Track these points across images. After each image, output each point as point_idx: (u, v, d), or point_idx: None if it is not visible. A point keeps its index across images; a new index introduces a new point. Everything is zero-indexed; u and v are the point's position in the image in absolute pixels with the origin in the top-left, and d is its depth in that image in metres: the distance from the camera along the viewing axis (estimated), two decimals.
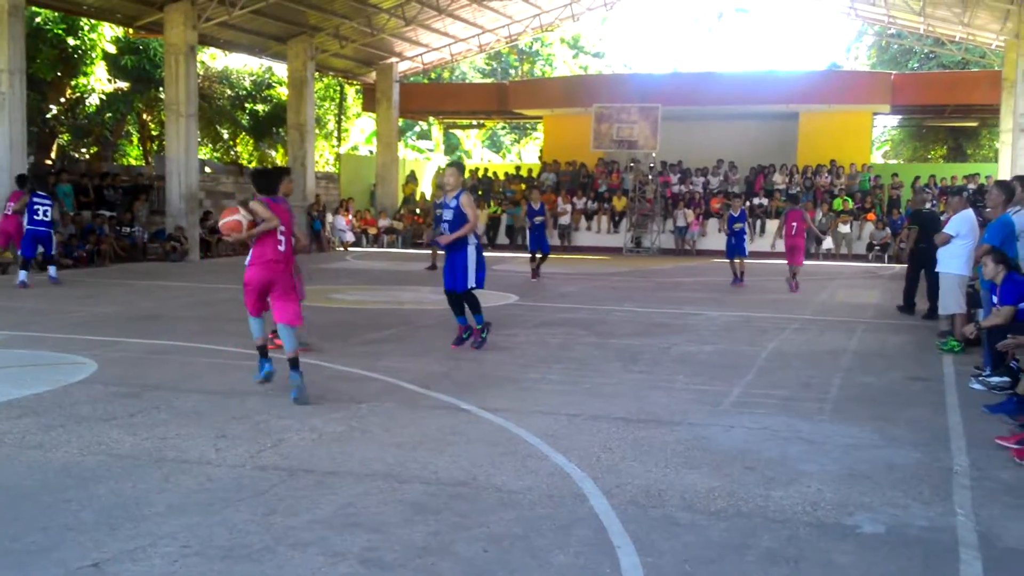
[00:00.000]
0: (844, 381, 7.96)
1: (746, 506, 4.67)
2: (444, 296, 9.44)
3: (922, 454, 5.67)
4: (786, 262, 16.41)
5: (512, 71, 44.65)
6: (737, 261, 17.11)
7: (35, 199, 14.88)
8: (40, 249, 15.12)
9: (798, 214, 16.36)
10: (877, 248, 24.78)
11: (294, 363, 6.78)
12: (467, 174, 32.03)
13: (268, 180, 7.36)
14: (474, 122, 39.64)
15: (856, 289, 17.05)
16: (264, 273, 6.93)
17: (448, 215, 9.09)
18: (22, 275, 14.46)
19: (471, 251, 9.11)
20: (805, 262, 16.94)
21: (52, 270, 15.26)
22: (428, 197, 31.30)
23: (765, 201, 26.96)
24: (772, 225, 26.11)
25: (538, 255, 17.41)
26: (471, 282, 9.06)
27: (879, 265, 23.05)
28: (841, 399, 7.23)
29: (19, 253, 15.18)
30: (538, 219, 17.35)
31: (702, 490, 4.89)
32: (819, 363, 8.83)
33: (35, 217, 14.77)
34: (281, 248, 7.02)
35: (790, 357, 9.16)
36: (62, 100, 27.38)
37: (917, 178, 26.99)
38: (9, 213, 15.01)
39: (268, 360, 7.05)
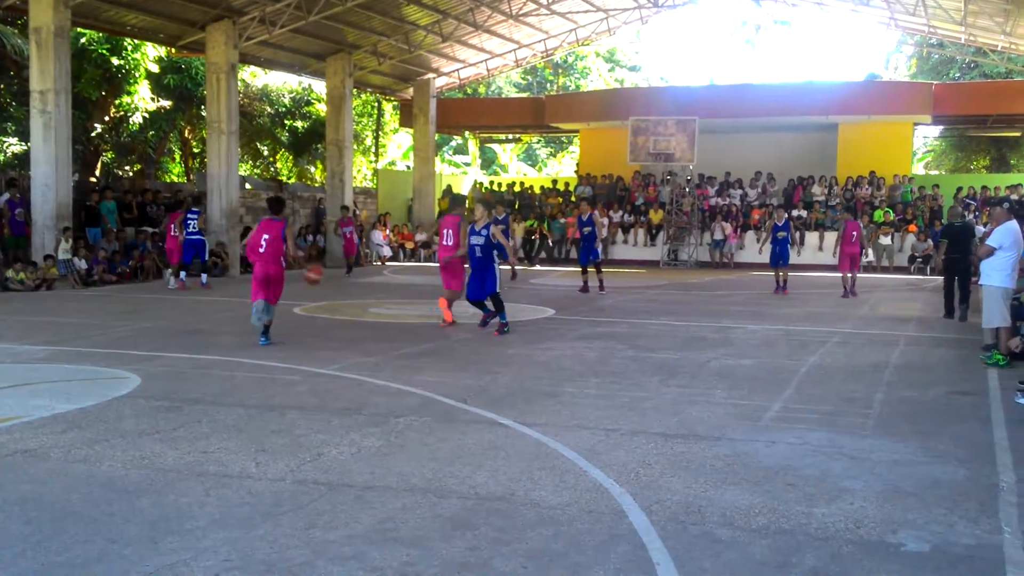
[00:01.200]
0: (887, 396, 7.85)
1: (788, 523, 4.62)
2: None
3: (967, 470, 5.57)
4: (840, 272, 17.78)
5: (548, 85, 44.74)
6: (780, 271, 18.08)
7: (188, 215, 17.73)
8: (195, 258, 18.01)
9: (856, 225, 17.89)
10: (919, 260, 24.44)
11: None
12: (504, 187, 32.12)
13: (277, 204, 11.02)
14: (510, 136, 39.76)
15: (898, 302, 16.81)
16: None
17: (479, 241, 11.76)
18: (181, 276, 17.62)
19: (496, 268, 11.88)
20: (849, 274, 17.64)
21: (204, 277, 18.09)
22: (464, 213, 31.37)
23: (804, 213, 26.71)
24: (811, 237, 26.00)
25: (590, 269, 17.42)
26: (497, 287, 11.84)
27: (921, 277, 22.72)
28: (884, 414, 7.12)
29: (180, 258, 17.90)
30: (586, 229, 17.40)
31: (743, 507, 4.84)
32: (861, 377, 8.72)
33: (188, 229, 17.63)
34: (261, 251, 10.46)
35: (831, 371, 9.05)
36: (106, 119, 27.90)
37: (959, 189, 26.61)
38: (174, 235, 17.72)
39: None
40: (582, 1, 26.87)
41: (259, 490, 5.05)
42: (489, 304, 11.99)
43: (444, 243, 12.77)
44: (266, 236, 10.38)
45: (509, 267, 19.54)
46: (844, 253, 17.36)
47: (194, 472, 5.37)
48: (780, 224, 18.34)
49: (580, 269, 17.80)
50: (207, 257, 18.51)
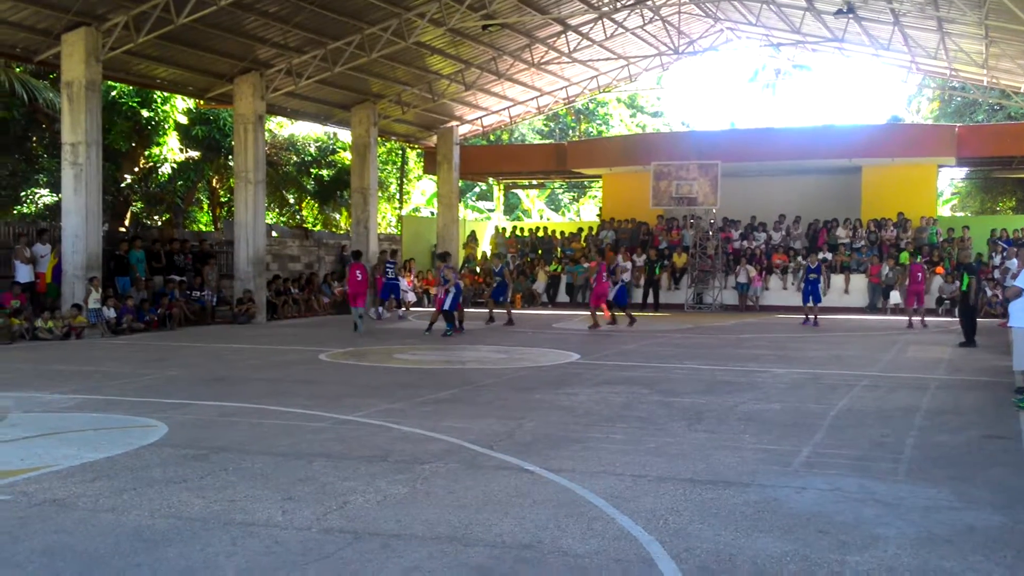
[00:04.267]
0: (918, 440, 7.73)
1: (820, 571, 4.53)
2: (506, 356, 13.12)
3: (1003, 516, 5.46)
4: (906, 305, 21.03)
5: (570, 131, 45.09)
6: (810, 306, 20.98)
7: (387, 264, 23.11)
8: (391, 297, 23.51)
9: (921, 267, 20.74)
10: (947, 302, 24.20)
11: None
12: (526, 233, 32.26)
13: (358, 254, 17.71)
14: (533, 182, 40.01)
15: (927, 344, 16.63)
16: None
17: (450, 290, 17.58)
18: (379, 310, 23.25)
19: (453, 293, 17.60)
20: (873, 317, 19.07)
21: (401, 311, 24.19)
22: (488, 256, 31.56)
23: (829, 256, 26.60)
24: (837, 280, 25.87)
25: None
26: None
27: (949, 319, 22.47)
28: (916, 459, 7.01)
29: (378, 295, 23.18)
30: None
31: (774, 554, 4.77)
32: (891, 421, 8.60)
33: (387, 275, 23.02)
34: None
35: (861, 415, 8.94)
36: (136, 169, 28.38)
37: (993, 231, 26.40)
38: (379, 276, 22.83)
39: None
40: (603, 49, 27.16)
41: (285, 539, 5.03)
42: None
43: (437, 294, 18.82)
44: (359, 272, 19.39)
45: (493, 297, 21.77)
46: (910, 292, 20.23)
47: (221, 521, 5.36)
48: (813, 267, 21.42)
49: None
50: (400, 296, 24.49)
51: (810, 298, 20.93)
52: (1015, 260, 16.10)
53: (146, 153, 27.84)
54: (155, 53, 20.47)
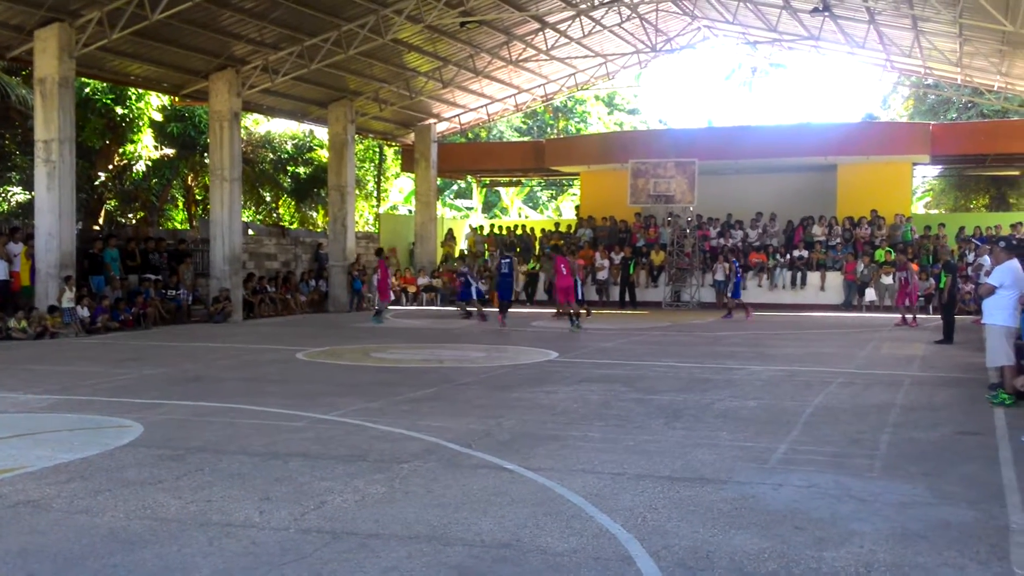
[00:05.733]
0: (893, 437, 7.80)
1: (798, 568, 4.57)
2: (484, 354, 12.96)
3: (977, 512, 5.52)
4: (896, 304, 22.07)
5: (548, 129, 45.12)
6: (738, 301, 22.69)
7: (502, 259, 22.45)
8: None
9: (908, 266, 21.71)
10: (921, 299, 24.41)
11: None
12: (505, 231, 32.28)
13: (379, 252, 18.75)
14: (511, 179, 40.00)
15: (901, 341, 16.78)
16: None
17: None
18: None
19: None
20: (849, 315, 18.28)
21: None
22: (466, 254, 31.57)
23: (805, 253, 26.76)
24: (813, 277, 26.04)
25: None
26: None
27: (924, 316, 22.69)
28: (891, 455, 7.07)
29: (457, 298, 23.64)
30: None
31: (752, 551, 4.79)
32: (866, 418, 8.67)
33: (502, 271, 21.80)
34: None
35: (837, 412, 9.01)
36: (110, 167, 28.11)
37: (962, 228, 26.69)
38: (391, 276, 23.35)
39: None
40: (581, 47, 27.19)
41: (263, 539, 5.00)
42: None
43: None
44: (379, 271, 21.13)
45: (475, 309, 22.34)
46: (903, 293, 21.15)
47: (197, 522, 5.33)
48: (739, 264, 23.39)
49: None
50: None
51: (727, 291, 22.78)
52: (987, 257, 16.29)
53: (120, 150, 27.59)
54: (129, 49, 20.29)
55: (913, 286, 21.13)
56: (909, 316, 20.67)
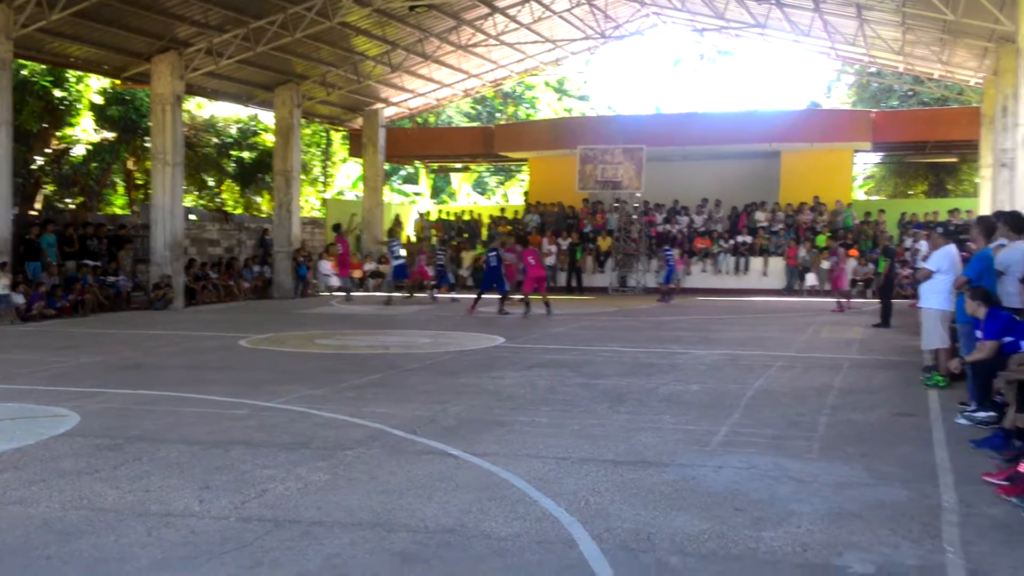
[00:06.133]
0: (831, 419, 7.95)
1: (736, 548, 4.64)
2: (431, 340, 12.97)
3: (911, 491, 5.66)
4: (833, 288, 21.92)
5: (497, 114, 45.02)
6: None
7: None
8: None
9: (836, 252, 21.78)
10: (860, 283, 24.89)
11: None
12: (453, 217, 32.18)
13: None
14: (460, 165, 39.86)
15: (840, 325, 17.10)
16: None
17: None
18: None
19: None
20: (790, 299, 18.43)
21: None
22: (413, 239, 31.46)
23: (749, 239, 27.11)
24: (756, 262, 26.39)
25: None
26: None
27: (863, 300, 23.14)
28: (829, 437, 7.22)
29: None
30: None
31: (692, 532, 4.86)
32: (805, 401, 8.83)
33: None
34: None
35: (777, 395, 9.16)
36: (48, 151, 27.45)
37: (903, 214, 27.22)
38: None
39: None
40: (530, 32, 27.13)
41: (203, 529, 4.94)
42: None
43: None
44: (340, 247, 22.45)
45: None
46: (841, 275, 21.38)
47: (135, 512, 5.24)
48: (491, 252, 21.70)
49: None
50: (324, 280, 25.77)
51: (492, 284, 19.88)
52: (924, 243, 16.67)
53: (59, 134, 26.95)
54: (69, 31, 19.76)
55: (840, 271, 21.25)
56: (843, 300, 20.89)
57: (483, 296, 19.75)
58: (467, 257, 29.11)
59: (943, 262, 9.79)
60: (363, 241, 30.76)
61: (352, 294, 22.83)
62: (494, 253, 19.86)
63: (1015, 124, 15.45)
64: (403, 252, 24.00)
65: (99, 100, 27.17)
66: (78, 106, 26.12)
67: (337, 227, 24.21)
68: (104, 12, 18.92)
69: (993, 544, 4.71)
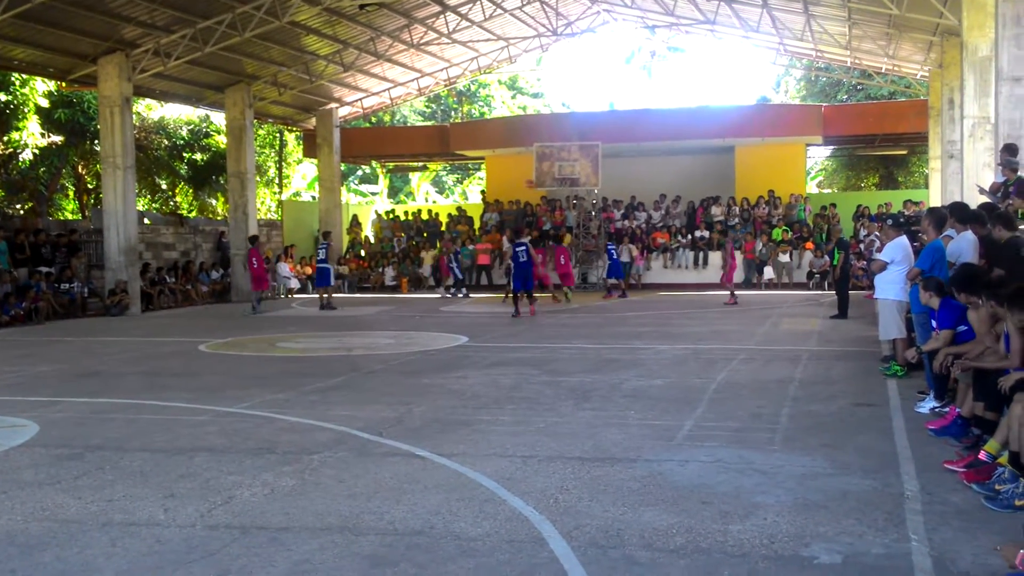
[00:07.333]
0: (793, 410, 8.06)
1: (704, 542, 4.68)
2: (394, 341, 12.88)
3: (873, 481, 5.75)
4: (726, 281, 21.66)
5: (452, 113, 44.92)
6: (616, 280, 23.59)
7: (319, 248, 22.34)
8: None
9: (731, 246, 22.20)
10: (817, 276, 25.25)
11: None
12: (410, 216, 32.05)
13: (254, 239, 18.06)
14: (416, 164, 39.71)
15: (799, 318, 17.33)
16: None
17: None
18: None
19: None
20: (750, 292, 18.64)
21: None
22: (372, 240, 31.31)
23: (706, 234, 27.35)
24: (714, 257, 26.62)
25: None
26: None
27: (820, 292, 23.47)
28: (791, 429, 7.31)
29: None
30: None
31: (660, 527, 4.89)
32: (767, 393, 8.93)
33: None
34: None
35: (739, 388, 9.26)
36: None
37: (859, 206, 27.61)
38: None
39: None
40: (482, 30, 27.11)
41: (168, 537, 4.88)
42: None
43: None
44: (255, 258, 20.23)
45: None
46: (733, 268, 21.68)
47: (99, 522, 5.16)
48: (320, 245, 22.54)
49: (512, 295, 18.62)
50: (282, 282, 25.96)
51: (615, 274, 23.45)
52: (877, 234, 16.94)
53: (5, 139, 26.36)
54: (12, 33, 19.32)
55: (731, 266, 21.41)
56: (736, 293, 20.89)
57: (519, 294, 18.35)
58: (427, 256, 29.01)
59: (897, 253, 9.96)
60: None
61: (259, 306, 20.72)
62: (523, 248, 18.37)
63: (961, 116, 15.75)
64: (324, 255, 21.99)
65: (45, 103, 26.62)
66: (24, 110, 25.56)
67: (253, 239, 22.17)
68: (48, 13, 18.53)
69: (956, 531, 4.80)
